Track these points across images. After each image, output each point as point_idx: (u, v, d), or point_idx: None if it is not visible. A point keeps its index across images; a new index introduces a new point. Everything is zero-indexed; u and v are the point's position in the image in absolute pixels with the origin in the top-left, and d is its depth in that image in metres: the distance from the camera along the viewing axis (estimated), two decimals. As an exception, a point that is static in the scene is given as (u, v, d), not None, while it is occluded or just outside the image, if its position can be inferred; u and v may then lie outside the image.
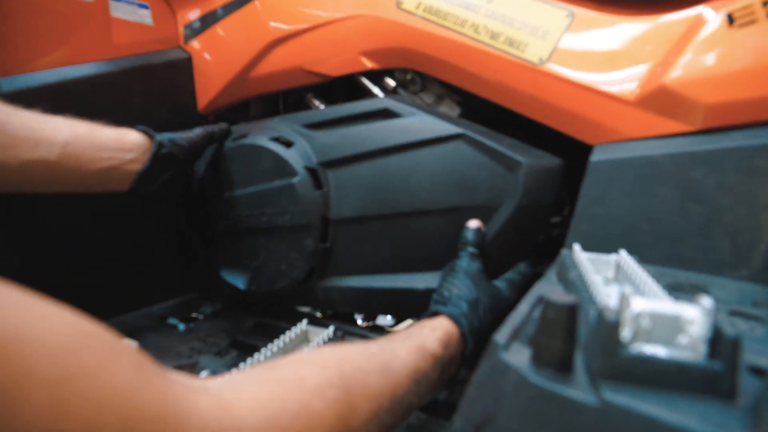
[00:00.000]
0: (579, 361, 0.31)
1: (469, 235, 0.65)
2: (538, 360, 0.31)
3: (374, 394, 0.40)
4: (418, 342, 0.50)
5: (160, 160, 0.67)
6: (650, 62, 0.58)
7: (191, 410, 0.28)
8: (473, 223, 0.66)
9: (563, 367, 0.30)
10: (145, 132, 0.68)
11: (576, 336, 0.30)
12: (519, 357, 0.32)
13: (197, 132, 0.75)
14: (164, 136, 0.69)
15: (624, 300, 0.29)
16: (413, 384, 0.45)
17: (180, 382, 0.30)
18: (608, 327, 0.28)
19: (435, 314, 0.57)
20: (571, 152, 0.67)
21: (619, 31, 0.62)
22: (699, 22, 0.56)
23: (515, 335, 0.35)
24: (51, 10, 0.71)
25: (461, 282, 0.60)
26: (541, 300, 0.31)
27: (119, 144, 0.63)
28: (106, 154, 0.62)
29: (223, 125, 0.81)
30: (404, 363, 0.46)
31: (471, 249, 0.64)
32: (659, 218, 0.55)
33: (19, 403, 0.22)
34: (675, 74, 0.55)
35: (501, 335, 0.34)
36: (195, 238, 0.87)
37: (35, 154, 0.56)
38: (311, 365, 0.38)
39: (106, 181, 0.63)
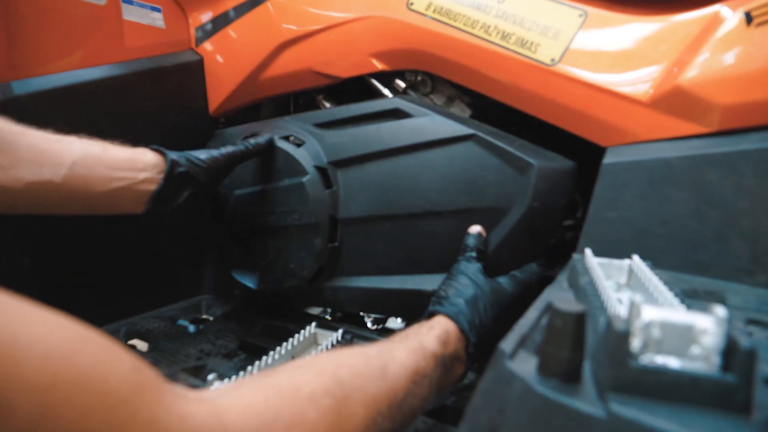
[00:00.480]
0: (588, 370, 0.30)
1: (470, 241, 0.65)
2: (544, 369, 0.30)
3: (372, 400, 0.39)
4: (416, 342, 0.50)
5: (175, 179, 0.64)
6: (665, 62, 0.57)
7: (184, 418, 0.28)
8: (474, 229, 0.66)
9: (571, 378, 0.29)
10: (159, 151, 0.64)
11: (584, 345, 0.29)
12: (525, 366, 0.31)
13: (222, 151, 0.70)
14: (182, 155, 0.65)
15: (634, 309, 0.28)
16: (412, 385, 0.44)
17: (174, 390, 0.29)
18: (617, 337, 0.27)
19: (432, 315, 0.57)
20: (585, 154, 0.66)
21: (633, 31, 0.61)
22: (715, 21, 0.55)
23: (522, 343, 0.35)
24: (64, 14, 0.72)
25: (458, 282, 0.60)
26: (549, 307, 0.31)
27: (132, 164, 0.60)
28: (118, 174, 0.59)
29: (249, 144, 0.74)
30: (403, 364, 0.45)
31: (471, 253, 0.64)
32: (674, 222, 0.54)
33: (6, 408, 0.22)
34: (690, 74, 0.54)
35: (507, 343, 0.34)
36: (221, 238, 0.86)
37: (40, 175, 0.54)
38: (308, 371, 0.38)
39: (117, 203, 0.61)
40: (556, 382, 0.29)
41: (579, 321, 0.29)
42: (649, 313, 0.28)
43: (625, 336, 0.27)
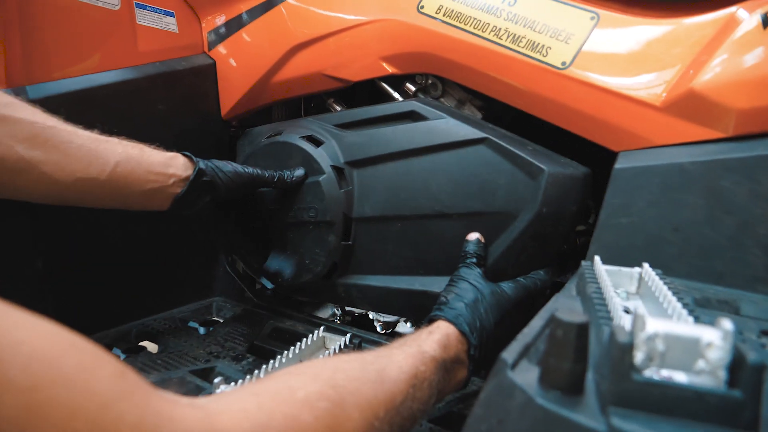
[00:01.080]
0: (591, 383, 0.30)
1: (470, 248, 0.65)
2: (546, 381, 0.29)
3: (368, 404, 0.38)
4: (414, 347, 0.49)
5: (199, 186, 0.67)
6: (679, 66, 0.56)
7: (173, 421, 0.28)
8: (473, 236, 0.67)
9: (573, 390, 0.29)
10: (190, 158, 0.68)
11: (587, 357, 0.29)
12: (527, 376, 0.31)
13: (248, 170, 0.73)
14: (210, 164, 0.69)
15: (638, 320, 0.27)
16: (411, 389, 0.44)
17: (163, 395, 0.29)
18: (620, 349, 0.27)
19: (432, 320, 0.57)
20: (601, 158, 0.65)
21: (646, 34, 0.59)
22: (731, 24, 0.54)
23: (525, 353, 0.34)
24: (78, 19, 0.73)
25: (458, 287, 0.61)
26: (552, 317, 0.30)
27: (165, 167, 0.65)
28: (153, 176, 0.63)
29: (276, 175, 0.76)
30: (400, 368, 0.44)
31: (471, 260, 0.64)
32: (687, 229, 0.53)
33: None
34: (705, 78, 0.53)
35: (509, 353, 0.33)
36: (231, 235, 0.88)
37: (88, 172, 0.58)
38: (302, 376, 0.38)
39: (148, 202, 0.65)
40: (558, 394, 0.29)
41: (581, 332, 0.28)
42: (654, 325, 0.27)
43: (627, 348, 0.26)
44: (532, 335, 0.36)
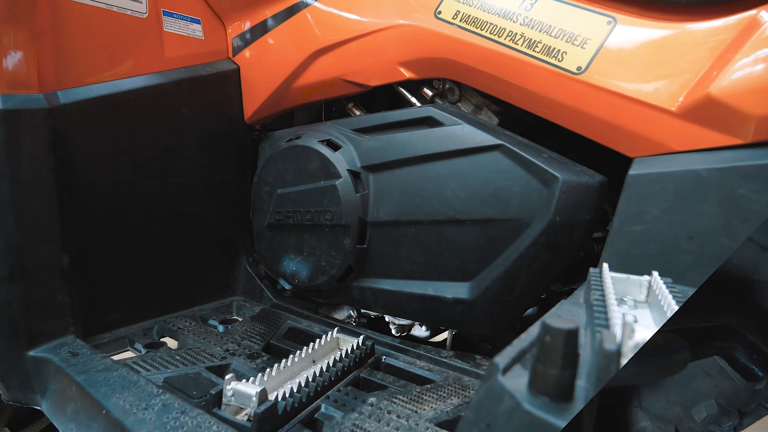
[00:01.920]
0: (582, 390, 0.29)
1: None
2: (534, 387, 0.29)
3: None
4: None
5: None
6: (696, 70, 0.55)
7: None
8: None
9: (562, 396, 0.29)
10: None
11: (576, 363, 0.28)
12: (518, 382, 0.31)
13: None
14: None
15: (626, 328, 0.27)
16: None
17: None
18: (607, 357, 0.26)
19: None
20: (619, 165, 0.64)
21: (663, 38, 0.58)
22: (753, 27, 0.52)
23: (520, 358, 0.34)
24: (108, 27, 0.76)
25: None
26: (542, 323, 0.30)
27: None
28: None
29: None
30: None
31: None
32: (702, 238, 0.51)
33: None
34: (724, 83, 0.51)
35: (502, 357, 0.33)
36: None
37: None
38: None
39: None
40: (546, 400, 0.29)
41: (569, 339, 0.28)
42: (642, 334, 0.27)
43: (614, 356, 0.26)
44: (529, 341, 0.36)
